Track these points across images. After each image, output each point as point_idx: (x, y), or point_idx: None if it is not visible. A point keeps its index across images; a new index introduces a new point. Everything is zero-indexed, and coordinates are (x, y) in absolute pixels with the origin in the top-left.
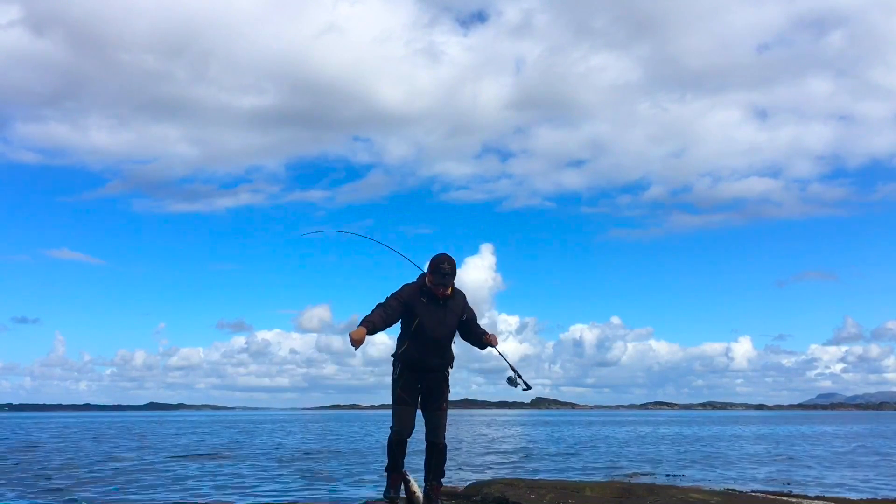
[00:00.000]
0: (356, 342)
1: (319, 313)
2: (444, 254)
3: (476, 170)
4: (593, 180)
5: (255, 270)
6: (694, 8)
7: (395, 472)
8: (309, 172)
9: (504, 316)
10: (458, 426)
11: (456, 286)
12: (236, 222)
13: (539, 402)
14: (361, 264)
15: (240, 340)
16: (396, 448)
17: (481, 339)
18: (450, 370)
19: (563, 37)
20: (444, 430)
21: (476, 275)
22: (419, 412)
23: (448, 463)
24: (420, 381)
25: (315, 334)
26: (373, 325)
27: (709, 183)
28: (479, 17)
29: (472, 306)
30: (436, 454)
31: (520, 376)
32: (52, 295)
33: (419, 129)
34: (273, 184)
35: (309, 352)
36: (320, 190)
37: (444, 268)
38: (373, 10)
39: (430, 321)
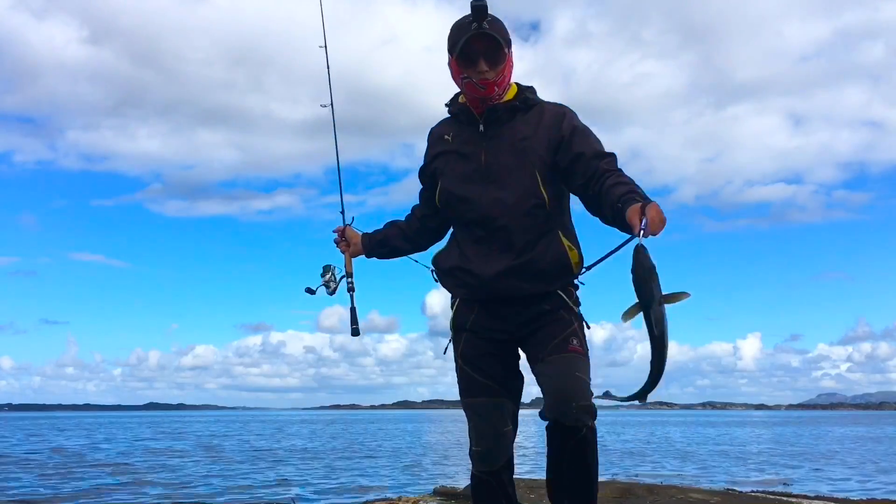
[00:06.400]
0: None
1: (339, 312)
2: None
3: None
4: None
5: (277, 271)
6: (743, 20)
7: None
8: (347, 178)
9: None
10: (455, 425)
11: (546, 100)
12: (265, 225)
13: (539, 402)
14: (379, 264)
15: (255, 340)
16: (484, 494)
17: (615, 208)
18: (570, 290)
19: (615, 47)
20: (580, 390)
21: None
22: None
23: (448, 463)
24: (494, 327)
25: (328, 335)
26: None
27: (737, 188)
28: (533, 28)
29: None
30: (566, 447)
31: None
32: (77, 297)
33: None
34: (310, 188)
35: (324, 351)
36: (353, 194)
37: (470, 15)
38: (428, 21)
39: (460, 174)
